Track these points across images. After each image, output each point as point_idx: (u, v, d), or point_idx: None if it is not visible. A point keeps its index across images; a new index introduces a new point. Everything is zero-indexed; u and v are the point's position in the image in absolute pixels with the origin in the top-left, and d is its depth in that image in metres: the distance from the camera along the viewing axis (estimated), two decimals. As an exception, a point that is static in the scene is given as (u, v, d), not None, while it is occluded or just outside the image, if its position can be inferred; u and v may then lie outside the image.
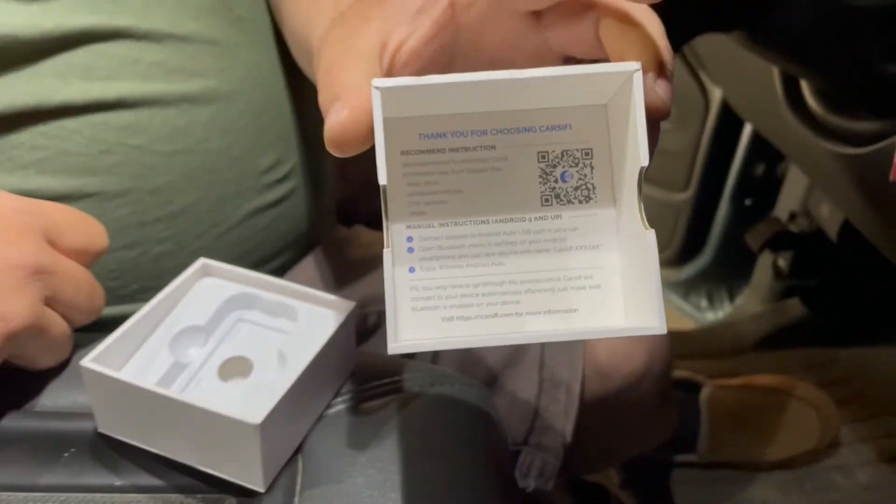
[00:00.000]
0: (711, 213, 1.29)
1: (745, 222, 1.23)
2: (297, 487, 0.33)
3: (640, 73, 0.27)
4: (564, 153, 0.30)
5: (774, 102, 0.73)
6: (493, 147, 0.30)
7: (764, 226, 1.07)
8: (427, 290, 0.29)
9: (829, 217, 0.97)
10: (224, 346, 0.37)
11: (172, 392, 0.32)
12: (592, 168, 0.30)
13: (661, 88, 0.28)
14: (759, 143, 1.20)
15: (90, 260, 0.39)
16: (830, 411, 0.97)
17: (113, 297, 0.49)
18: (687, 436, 0.95)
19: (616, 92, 0.28)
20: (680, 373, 1.00)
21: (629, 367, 0.57)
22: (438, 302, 0.29)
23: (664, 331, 0.26)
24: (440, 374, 0.40)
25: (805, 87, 0.67)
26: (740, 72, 0.90)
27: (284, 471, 0.34)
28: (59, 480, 0.34)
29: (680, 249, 1.34)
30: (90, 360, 0.33)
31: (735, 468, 0.98)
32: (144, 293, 0.50)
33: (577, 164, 0.30)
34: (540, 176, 0.30)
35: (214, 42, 0.49)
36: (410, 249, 0.30)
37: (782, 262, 1.14)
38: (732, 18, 0.57)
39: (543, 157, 0.30)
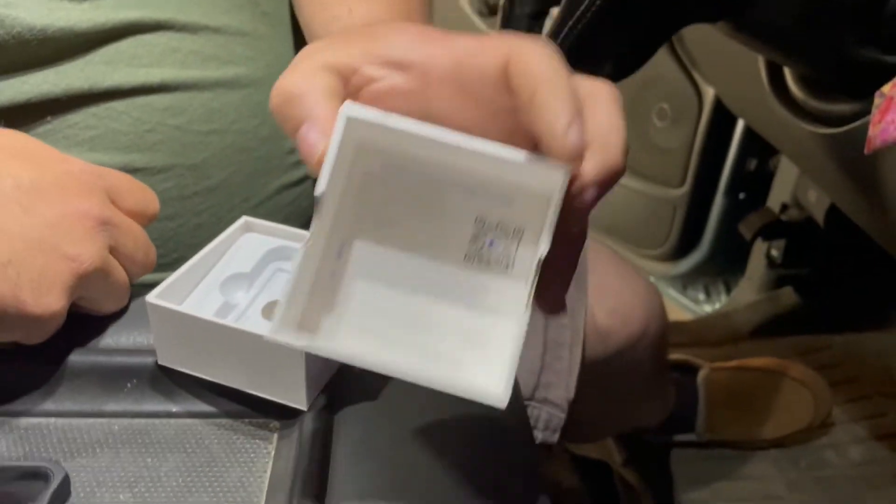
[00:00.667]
0: (707, 207, 1.33)
1: (740, 216, 1.27)
2: (335, 406, 0.37)
3: (566, 175, 0.28)
4: (499, 225, 0.32)
5: (761, 92, 0.77)
6: (442, 197, 0.32)
7: (756, 216, 1.12)
8: (337, 295, 0.32)
9: (816, 203, 1.02)
10: (266, 292, 0.41)
11: (228, 321, 0.36)
12: (518, 246, 0.32)
13: (591, 194, 0.29)
14: (752, 139, 1.25)
15: (144, 222, 0.44)
16: (823, 391, 1.02)
17: (156, 265, 0.53)
18: (685, 416, 0.99)
19: (555, 185, 0.29)
20: (677, 356, 1.04)
21: (627, 329, 0.62)
22: (343, 309, 0.32)
23: (503, 405, 0.28)
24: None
25: (788, 74, 0.72)
26: (730, 67, 0.94)
27: (322, 392, 0.38)
28: (123, 407, 0.38)
29: (677, 244, 1.38)
30: (154, 296, 0.37)
31: (732, 447, 1.02)
32: (182, 262, 0.54)
33: (506, 238, 0.32)
34: (472, 235, 0.32)
35: (244, 34, 0.54)
36: (338, 255, 0.32)
37: (775, 252, 1.19)
38: (717, 8, 0.61)
39: (480, 221, 0.32)
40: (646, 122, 1.39)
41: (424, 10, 0.53)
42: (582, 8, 0.50)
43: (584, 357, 0.59)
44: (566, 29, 0.52)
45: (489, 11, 1.78)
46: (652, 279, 1.46)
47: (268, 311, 0.40)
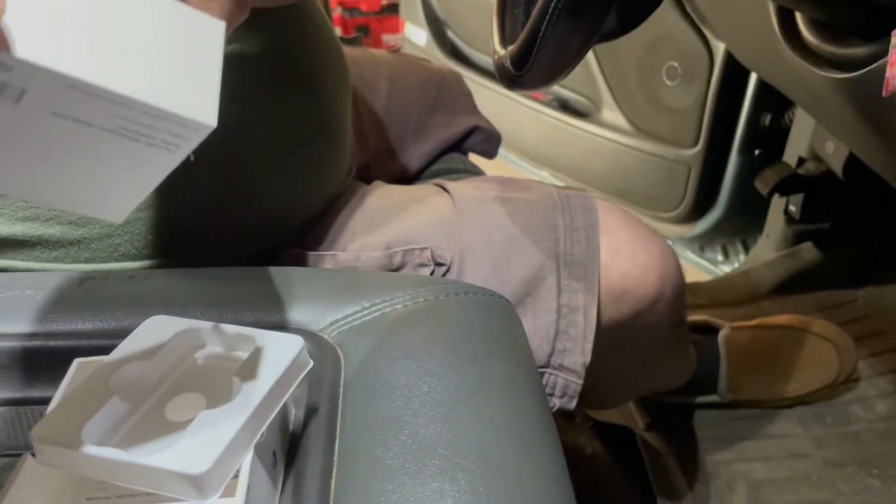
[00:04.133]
0: (722, 166, 1.31)
1: (756, 173, 1.25)
2: (342, 380, 0.37)
3: None
4: None
5: (773, 41, 0.75)
6: None
7: (772, 171, 1.10)
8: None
9: (834, 154, 0.99)
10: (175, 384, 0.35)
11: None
12: None
13: None
14: (765, 93, 1.22)
15: None
16: (847, 345, 1.00)
17: (157, 251, 0.53)
18: (707, 377, 0.98)
19: None
20: (697, 317, 1.03)
21: (643, 291, 0.60)
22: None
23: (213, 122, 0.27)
24: (464, 285, 0.43)
25: (799, 19, 0.70)
26: (740, 19, 0.92)
27: (328, 371, 0.37)
28: None
29: (693, 205, 1.36)
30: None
31: (756, 406, 1.01)
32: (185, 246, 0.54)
33: None
34: None
35: None
36: None
37: (793, 207, 1.16)
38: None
39: None
40: (656, 81, 1.36)
41: None
42: (581, -43, 0.48)
43: (599, 321, 0.58)
44: (566, -20, 0.50)
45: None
46: (669, 242, 1.44)
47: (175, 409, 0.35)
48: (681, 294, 0.65)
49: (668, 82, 1.34)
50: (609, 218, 0.61)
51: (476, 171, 0.93)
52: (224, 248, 0.56)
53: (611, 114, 1.49)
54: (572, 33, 0.54)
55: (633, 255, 0.60)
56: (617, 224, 0.61)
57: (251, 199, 0.56)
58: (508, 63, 0.62)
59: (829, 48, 0.65)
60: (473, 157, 0.98)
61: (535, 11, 0.55)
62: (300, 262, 0.59)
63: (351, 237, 0.61)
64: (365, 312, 0.41)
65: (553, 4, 0.51)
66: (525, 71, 0.59)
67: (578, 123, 1.54)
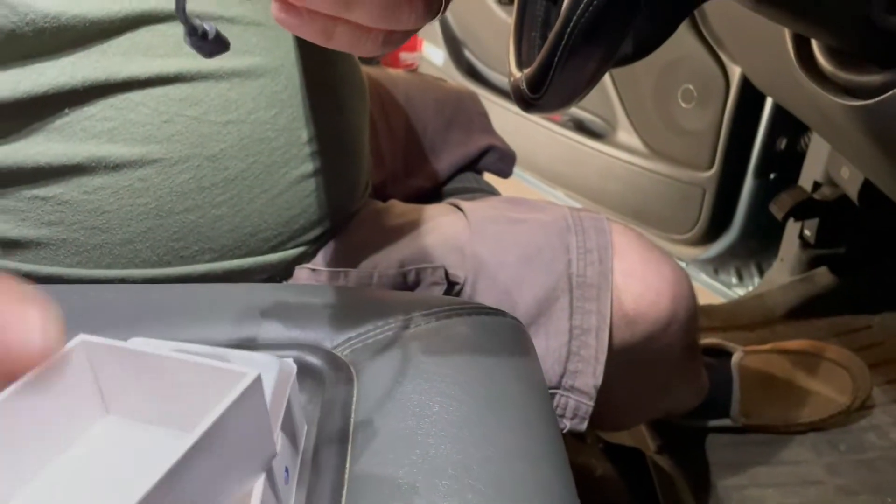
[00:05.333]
0: (737, 189, 1.31)
1: (771, 197, 1.25)
2: (354, 398, 0.37)
3: None
4: None
5: (789, 67, 0.75)
6: None
7: (787, 195, 1.09)
8: None
9: (850, 180, 0.99)
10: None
11: None
12: None
13: None
14: (781, 117, 1.22)
15: None
16: (862, 371, 0.99)
17: (175, 257, 0.53)
18: (720, 401, 0.97)
19: None
20: (710, 340, 1.02)
21: (654, 314, 0.60)
22: None
23: None
24: (476, 306, 0.44)
25: (815, 46, 0.70)
26: (755, 44, 0.92)
27: (341, 388, 0.38)
28: None
29: (707, 228, 1.36)
30: None
31: (769, 431, 1.00)
32: (203, 254, 0.54)
33: None
34: None
35: (258, 24, 0.54)
36: None
37: (808, 232, 1.16)
38: (739, -19, 0.59)
39: None
40: (671, 104, 1.36)
41: None
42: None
43: (611, 343, 0.58)
44: (582, 6, 0.50)
45: (509, -1, 1.77)
46: (683, 264, 1.43)
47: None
48: (693, 317, 0.65)
49: (684, 105, 1.34)
50: (622, 240, 0.61)
51: (491, 191, 0.94)
52: (240, 257, 0.56)
53: (626, 135, 1.49)
54: (588, 58, 0.55)
55: (646, 277, 0.60)
56: (630, 246, 0.62)
57: (268, 209, 0.56)
58: (524, 86, 0.62)
59: (844, 75, 0.66)
60: (488, 176, 0.99)
61: (551, 35, 0.55)
62: (315, 278, 0.60)
63: (365, 255, 0.62)
64: (378, 331, 0.41)
65: (570, 29, 0.52)
66: (541, 94, 0.59)
67: (593, 144, 1.55)
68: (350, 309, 0.44)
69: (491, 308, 0.44)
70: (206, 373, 0.30)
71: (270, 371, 0.32)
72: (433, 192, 0.92)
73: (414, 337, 0.41)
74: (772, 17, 0.65)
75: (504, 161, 0.98)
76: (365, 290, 0.56)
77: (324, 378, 0.38)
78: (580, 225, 0.62)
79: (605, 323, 0.58)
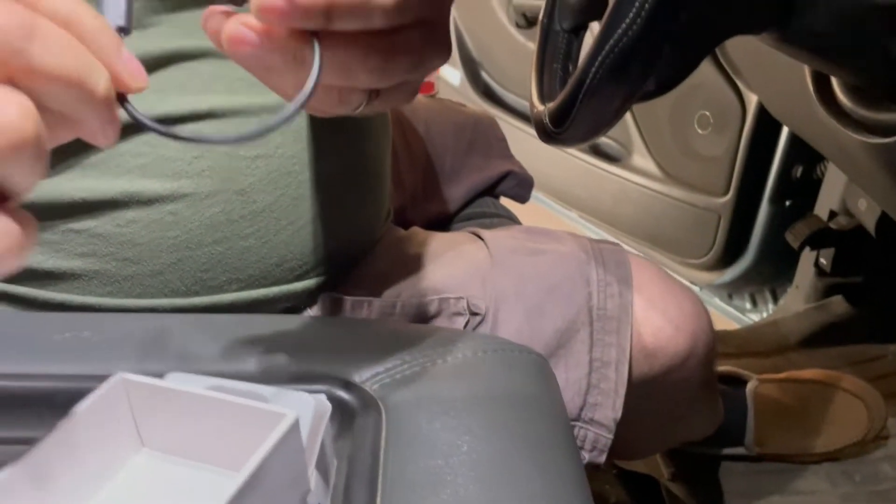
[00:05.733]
0: (752, 215, 1.31)
1: (786, 224, 1.25)
2: (383, 434, 0.38)
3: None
4: None
5: (807, 101, 0.76)
6: None
7: (803, 224, 1.10)
8: None
9: (867, 211, 0.99)
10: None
11: None
12: None
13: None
14: (797, 145, 1.23)
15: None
16: (877, 402, 0.99)
17: (202, 286, 0.55)
18: (734, 429, 0.98)
19: None
20: (725, 368, 1.02)
21: (674, 348, 0.61)
22: None
23: None
24: (501, 341, 0.44)
25: (835, 83, 0.71)
26: (774, 76, 0.93)
27: (370, 424, 0.38)
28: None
29: (722, 253, 1.36)
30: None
31: (783, 461, 1.00)
32: (230, 284, 0.55)
33: None
34: None
35: None
36: None
37: (824, 260, 1.16)
38: (762, 20, 0.60)
39: None
40: (688, 129, 1.37)
41: None
42: (625, 24, 0.50)
43: (630, 376, 0.59)
44: (608, 46, 0.51)
45: (527, 23, 1.78)
46: (697, 289, 1.44)
47: None
48: (712, 351, 0.66)
49: (700, 130, 1.35)
50: (642, 273, 0.62)
51: (509, 216, 0.95)
52: (265, 286, 0.57)
53: (641, 159, 1.50)
54: (612, 96, 0.56)
55: (666, 311, 0.61)
56: (650, 280, 0.62)
57: (294, 240, 0.57)
58: (547, 119, 0.63)
59: (863, 112, 0.66)
60: (504, 200, 1.00)
61: (576, 72, 0.56)
62: (337, 306, 0.61)
63: (388, 283, 0.63)
64: (406, 366, 0.42)
65: (595, 68, 0.53)
66: (564, 129, 0.61)
67: (609, 167, 1.56)
68: (377, 342, 0.45)
69: (516, 345, 0.45)
70: (246, 413, 0.31)
71: (306, 410, 0.33)
72: (452, 216, 0.93)
73: (441, 373, 0.41)
74: (792, 55, 0.66)
75: (522, 186, 0.98)
76: (391, 322, 0.57)
77: (353, 413, 0.39)
78: (600, 257, 0.63)
79: (625, 356, 0.58)
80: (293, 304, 0.59)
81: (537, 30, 0.75)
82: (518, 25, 1.79)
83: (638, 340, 0.60)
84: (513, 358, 0.44)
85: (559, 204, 1.75)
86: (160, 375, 0.36)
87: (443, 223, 0.93)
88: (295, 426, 0.30)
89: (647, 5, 0.48)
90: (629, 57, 0.51)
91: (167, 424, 0.33)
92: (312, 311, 0.61)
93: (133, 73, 0.26)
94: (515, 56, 1.81)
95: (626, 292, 0.60)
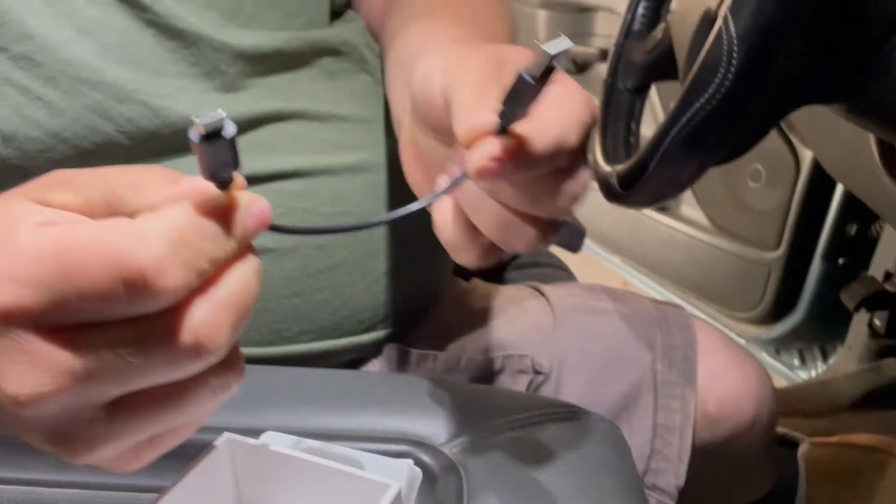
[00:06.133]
0: (804, 271, 1.30)
1: (839, 281, 1.24)
2: (464, 501, 0.38)
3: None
4: None
5: (870, 164, 0.76)
6: None
7: (859, 284, 1.09)
8: None
9: (927, 277, 0.98)
10: None
11: None
12: None
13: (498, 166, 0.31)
14: (852, 203, 1.22)
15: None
16: (933, 472, 0.97)
17: (277, 337, 0.56)
18: (785, 493, 0.96)
19: None
20: (776, 429, 1.01)
21: (738, 416, 0.61)
22: None
23: None
24: (575, 409, 0.45)
25: (901, 151, 0.71)
26: (833, 136, 0.93)
27: (451, 491, 0.39)
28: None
29: (771, 308, 1.35)
30: None
31: (834, 526, 0.98)
32: (303, 334, 0.57)
33: None
34: None
35: (367, 120, 0.57)
36: None
37: (878, 322, 1.15)
38: (834, 92, 0.61)
39: None
40: (739, 182, 1.37)
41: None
42: (707, 94, 0.51)
43: (692, 442, 0.59)
44: (687, 115, 0.52)
45: (576, 69, 1.80)
46: (742, 342, 1.42)
47: None
48: (774, 419, 0.65)
49: (752, 183, 1.35)
50: (707, 339, 0.62)
51: (560, 265, 0.95)
52: (336, 338, 0.58)
53: (690, 209, 1.50)
54: (686, 163, 0.56)
55: (730, 379, 0.61)
56: (714, 346, 0.62)
57: (366, 293, 0.59)
58: (615, 181, 0.64)
59: (933, 183, 0.66)
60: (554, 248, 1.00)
61: (651, 137, 0.57)
62: (404, 358, 0.62)
63: (452, 337, 0.63)
64: (485, 431, 0.43)
65: (672, 135, 0.54)
66: (633, 192, 0.61)
67: (656, 216, 1.55)
68: (452, 402, 0.46)
69: (591, 412, 0.46)
70: (351, 481, 0.32)
71: (402, 478, 0.34)
72: (505, 265, 0.94)
73: (520, 440, 0.42)
74: (860, 124, 0.66)
75: (574, 236, 0.99)
76: (464, 383, 0.58)
77: (434, 477, 0.40)
78: (664, 320, 0.63)
79: (689, 422, 0.58)
80: (360, 355, 0.61)
81: (601, 88, 0.76)
82: (568, 71, 1.81)
83: (702, 407, 0.60)
84: (591, 426, 0.44)
85: (602, 248, 1.75)
86: (253, 430, 0.37)
87: (497, 271, 0.94)
88: (398, 497, 0.31)
89: (729, 78, 0.48)
90: (707, 127, 0.52)
91: (267, 487, 0.34)
92: (377, 363, 0.62)
93: (261, 224, 0.28)
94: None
95: (692, 358, 0.60)
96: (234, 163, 0.26)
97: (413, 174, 0.44)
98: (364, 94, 0.57)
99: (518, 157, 0.31)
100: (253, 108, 0.51)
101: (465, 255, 0.38)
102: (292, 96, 0.53)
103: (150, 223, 0.25)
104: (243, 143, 0.51)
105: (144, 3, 0.47)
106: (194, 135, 0.25)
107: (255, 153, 0.51)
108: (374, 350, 0.61)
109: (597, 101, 0.77)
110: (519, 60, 0.37)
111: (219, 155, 0.26)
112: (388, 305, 0.60)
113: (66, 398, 0.25)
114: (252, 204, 0.27)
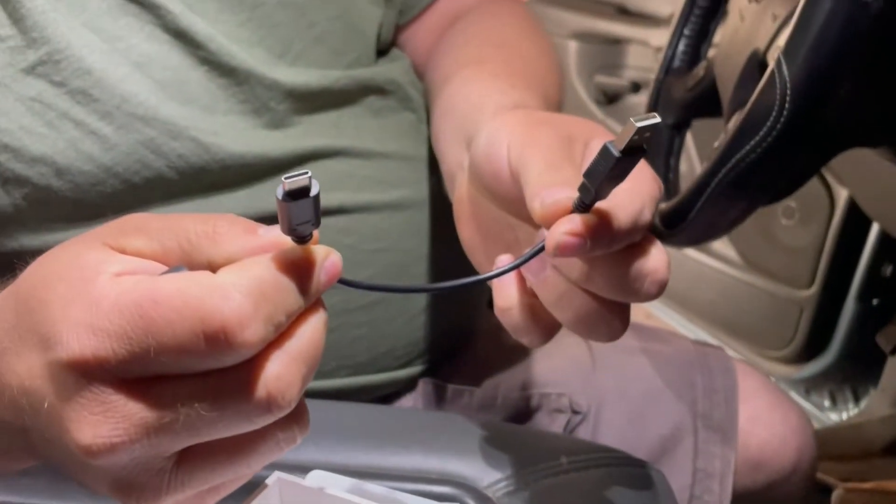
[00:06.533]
0: (837, 311, 1.28)
1: (872, 322, 1.22)
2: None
3: None
4: None
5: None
6: None
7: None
8: None
9: (967, 322, 0.96)
10: None
11: None
12: None
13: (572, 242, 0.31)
14: (888, 244, 1.20)
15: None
16: (972, 523, 0.94)
17: (316, 373, 0.56)
18: (818, 538, 0.94)
19: None
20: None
21: (779, 462, 0.60)
22: None
23: None
24: (619, 455, 0.44)
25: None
26: (871, 175, 0.92)
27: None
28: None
29: (802, 347, 1.33)
30: None
31: (869, 576, 0.95)
32: (340, 370, 0.56)
33: None
34: None
35: (410, 158, 0.57)
36: None
37: (915, 365, 1.13)
38: (881, 136, 0.60)
39: None
40: (771, 219, 1.36)
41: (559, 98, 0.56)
42: (754, 141, 0.50)
43: (733, 488, 0.58)
44: (734, 160, 0.52)
45: (606, 100, 1.80)
46: (772, 380, 1.40)
47: None
48: (815, 466, 0.64)
49: (784, 220, 1.33)
50: (748, 383, 0.61)
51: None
52: (372, 373, 0.58)
53: (721, 244, 1.48)
54: (731, 206, 0.56)
55: (772, 424, 0.60)
56: (756, 390, 0.61)
57: (403, 330, 0.58)
58: (657, 220, 0.64)
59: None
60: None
61: (695, 180, 0.57)
62: (439, 393, 0.61)
63: (487, 372, 0.63)
64: (529, 474, 0.42)
65: (718, 179, 0.53)
66: (675, 232, 0.61)
67: (687, 250, 1.54)
68: (493, 443, 0.45)
69: (635, 458, 0.45)
70: None
71: None
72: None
73: (565, 486, 0.41)
74: (911, 170, 0.65)
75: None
76: (505, 423, 0.57)
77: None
78: (705, 362, 0.62)
79: (730, 468, 0.57)
80: (396, 390, 0.60)
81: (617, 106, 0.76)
82: (598, 102, 1.81)
83: (743, 453, 0.59)
84: (636, 474, 0.43)
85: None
86: (296, 466, 0.37)
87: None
88: None
89: (781, 122, 0.48)
90: (756, 171, 0.52)
91: None
92: (411, 397, 0.61)
93: (333, 278, 0.28)
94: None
95: (733, 401, 0.59)
96: (316, 220, 0.27)
97: (466, 230, 0.45)
98: (407, 131, 0.58)
99: (598, 233, 0.31)
100: (299, 146, 0.51)
101: (529, 339, 0.38)
102: (338, 134, 0.53)
103: (231, 277, 0.25)
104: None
105: (199, 40, 0.48)
106: (279, 192, 0.25)
107: (301, 189, 0.51)
108: (408, 385, 0.61)
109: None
110: (587, 137, 0.37)
111: (301, 212, 0.26)
112: (425, 341, 0.60)
113: (138, 449, 0.25)
114: (326, 259, 0.27)
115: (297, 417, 0.28)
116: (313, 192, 0.25)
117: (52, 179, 0.46)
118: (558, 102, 0.56)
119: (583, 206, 0.31)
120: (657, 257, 0.33)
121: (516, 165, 0.36)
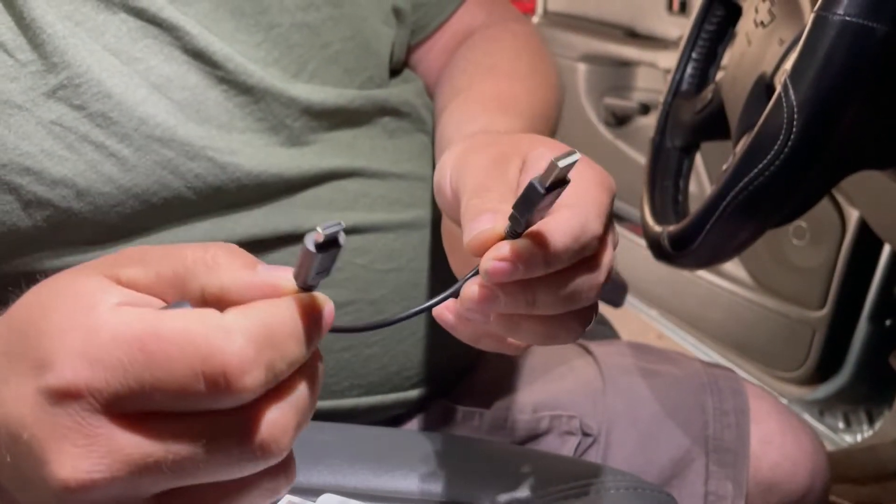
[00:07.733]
0: (849, 332, 1.27)
1: (885, 344, 1.21)
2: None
3: None
4: None
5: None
6: None
7: (909, 349, 1.06)
8: None
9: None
10: None
11: None
12: None
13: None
14: (900, 265, 1.20)
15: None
16: None
17: (326, 392, 0.56)
18: (833, 562, 0.93)
19: None
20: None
21: (791, 485, 0.59)
22: None
23: None
24: (633, 479, 0.44)
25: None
26: (883, 196, 0.92)
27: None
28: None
29: (815, 368, 1.32)
30: None
31: None
32: (352, 389, 0.57)
33: None
34: None
35: (423, 178, 0.58)
36: None
37: (929, 387, 1.12)
38: (887, 158, 0.60)
39: None
40: (782, 239, 1.35)
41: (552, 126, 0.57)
42: (762, 164, 0.51)
43: (745, 511, 0.57)
44: (742, 183, 0.52)
45: (616, 122, 1.81)
46: (785, 401, 1.39)
47: None
48: (828, 489, 0.64)
49: (795, 241, 1.33)
50: (760, 405, 0.61)
51: (602, 320, 0.95)
52: (384, 393, 0.58)
53: (731, 265, 1.48)
54: (740, 229, 0.56)
55: (784, 446, 0.60)
56: (767, 412, 0.61)
57: (414, 349, 0.59)
58: (666, 242, 0.64)
59: None
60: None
61: (704, 203, 0.57)
62: (449, 415, 0.61)
63: (498, 394, 0.63)
64: (538, 500, 0.42)
65: (727, 201, 0.53)
66: (684, 253, 0.61)
67: (698, 272, 1.54)
68: (507, 467, 0.45)
69: (647, 483, 0.45)
70: None
71: None
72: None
73: (574, 510, 0.41)
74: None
75: (617, 292, 0.99)
76: (515, 446, 0.57)
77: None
78: (715, 384, 0.62)
79: (742, 491, 0.57)
80: (406, 410, 0.60)
81: (639, 141, 0.76)
82: (608, 124, 1.82)
83: (754, 475, 0.58)
84: (645, 497, 0.43)
85: (641, 302, 1.73)
86: (306, 488, 0.37)
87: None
88: None
89: (789, 145, 0.48)
90: (765, 193, 0.52)
91: None
92: (421, 418, 0.62)
93: (328, 326, 0.27)
94: (603, 154, 1.83)
95: (744, 423, 0.59)
96: (329, 271, 0.26)
97: (453, 260, 0.46)
98: (420, 153, 0.59)
99: (530, 257, 0.31)
100: (315, 165, 0.52)
101: (484, 344, 0.40)
102: (353, 154, 0.54)
103: (238, 319, 0.24)
104: (305, 199, 0.52)
105: (217, 60, 0.49)
106: (310, 243, 0.24)
107: (315, 210, 0.52)
108: (418, 406, 0.61)
109: (642, 160, 0.77)
110: (524, 151, 0.38)
111: (324, 263, 0.25)
112: (435, 362, 0.60)
113: (118, 487, 0.24)
114: (325, 306, 0.27)
115: (284, 467, 0.27)
116: (342, 242, 0.25)
117: (72, 201, 0.47)
118: (549, 117, 0.57)
119: (514, 233, 0.32)
120: (599, 272, 0.34)
121: (455, 191, 0.37)
